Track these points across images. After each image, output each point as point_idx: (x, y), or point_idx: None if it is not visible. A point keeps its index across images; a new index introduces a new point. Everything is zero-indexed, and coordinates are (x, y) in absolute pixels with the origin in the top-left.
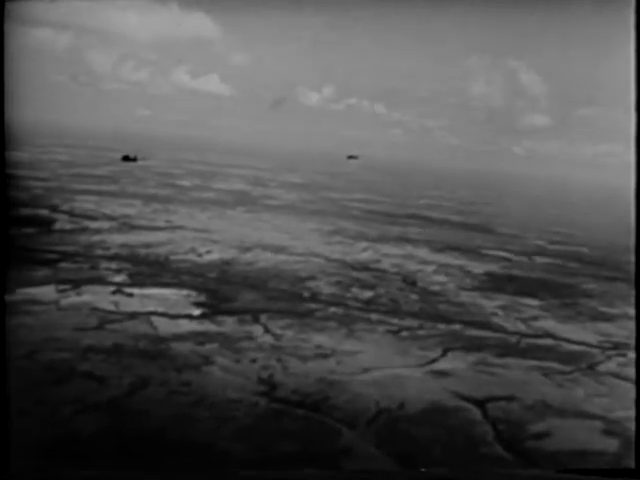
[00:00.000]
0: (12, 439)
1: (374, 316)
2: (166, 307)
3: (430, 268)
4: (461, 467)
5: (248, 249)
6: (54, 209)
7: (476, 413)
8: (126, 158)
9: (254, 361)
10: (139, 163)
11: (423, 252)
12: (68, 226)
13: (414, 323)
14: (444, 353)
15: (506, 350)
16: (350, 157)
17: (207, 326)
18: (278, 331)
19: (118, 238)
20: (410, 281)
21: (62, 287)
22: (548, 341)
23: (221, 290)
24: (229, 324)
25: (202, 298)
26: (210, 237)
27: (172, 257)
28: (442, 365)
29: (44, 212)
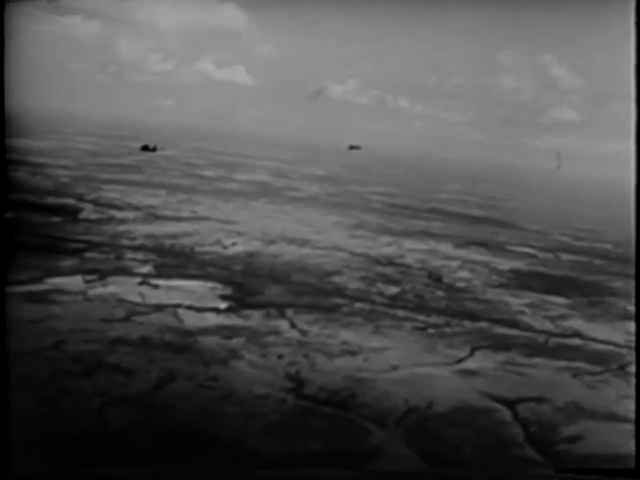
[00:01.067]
0: (36, 429)
1: (400, 312)
2: (192, 300)
3: (455, 264)
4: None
5: (272, 242)
6: (80, 198)
7: (506, 414)
8: (145, 148)
9: (281, 357)
10: (159, 153)
11: (447, 247)
12: (94, 215)
13: (441, 320)
14: (472, 352)
15: (534, 350)
16: (352, 147)
17: (233, 320)
18: (304, 326)
19: (143, 228)
20: (435, 277)
21: (89, 277)
22: (576, 341)
23: (247, 283)
24: (255, 318)
25: (228, 291)
26: (235, 229)
27: (197, 248)
28: (470, 364)
29: (70, 201)
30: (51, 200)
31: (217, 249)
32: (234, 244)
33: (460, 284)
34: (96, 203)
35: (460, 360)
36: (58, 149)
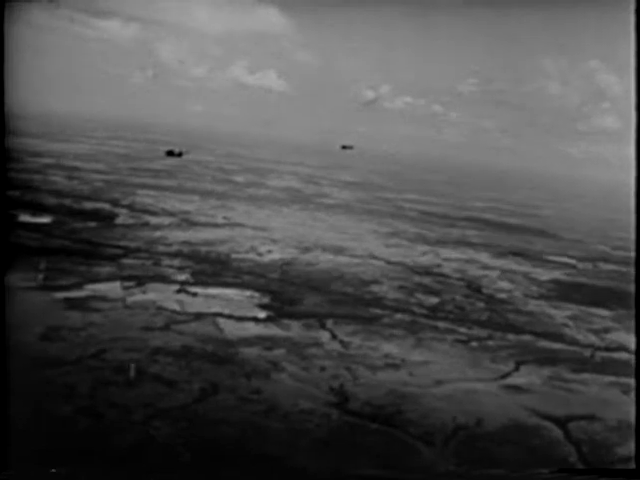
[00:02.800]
0: (82, 441)
1: (441, 324)
2: (231, 309)
3: (494, 274)
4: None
5: (307, 249)
6: (115, 203)
7: (558, 433)
8: (170, 153)
9: (323, 369)
10: (189, 157)
11: (484, 257)
12: (129, 221)
13: (483, 333)
14: (517, 366)
15: (581, 364)
16: (344, 147)
17: (273, 330)
18: (345, 338)
19: (179, 235)
20: (475, 287)
21: (127, 284)
22: (623, 355)
23: (284, 292)
24: (295, 329)
25: (266, 300)
26: (269, 236)
27: (233, 256)
28: (516, 379)
29: (106, 206)
30: (88, 205)
31: (253, 256)
32: (269, 251)
33: (500, 295)
34: (131, 208)
35: (505, 375)
36: (92, 153)
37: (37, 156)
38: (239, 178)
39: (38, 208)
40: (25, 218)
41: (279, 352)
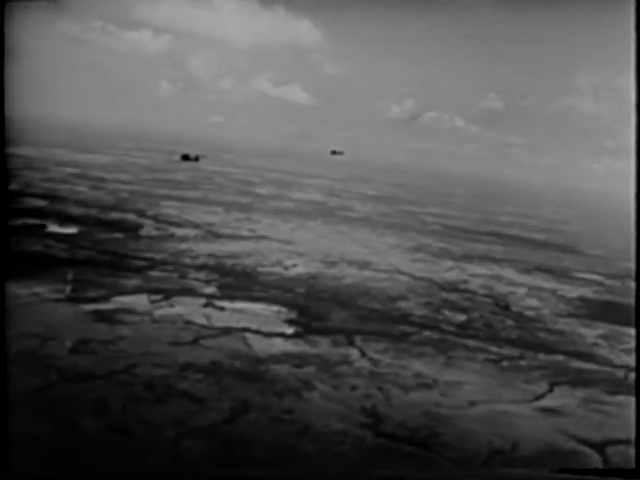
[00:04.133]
0: (113, 457)
1: (471, 342)
2: (258, 324)
3: (521, 291)
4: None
5: (333, 264)
6: (140, 214)
7: (597, 459)
8: (186, 157)
9: (354, 388)
10: (212, 168)
11: (511, 273)
12: (154, 232)
13: (514, 352)
14: (551, 388)
15: (615, 386)
16: (334, 152)
17: (302, 347)
18: (375, 355)
19: (204, 247)
20: (503, 305)
21: (154, 297)
22: None
23: (311, 307)
24: (324, 345)
25: (293, 315)
26: (294, 249)
27: (259, 269)
28: (551, 402)
29: (131, 216)
30: (113, 215)
31: (278, 270)
32: (295, 265)
33: (529, 313)
34: (156, 219)
35: (540, 397)
36: (117, 163)
37: (62, 166)
38: (262, 190)
39: (65, 218)
40: (53, 228)
41: (309, 370)
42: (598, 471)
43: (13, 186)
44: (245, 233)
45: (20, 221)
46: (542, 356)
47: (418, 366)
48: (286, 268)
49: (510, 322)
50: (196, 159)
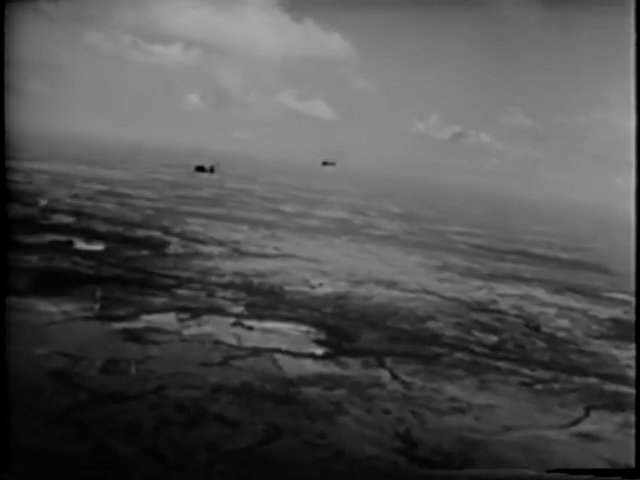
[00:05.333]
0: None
1: (503, 365)
2: (288, 344)
3: (551, 311)
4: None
5: (360, 283)
6: (166, 231)
7: None
8: (201, 169)
9: (387, 412)
10: (232, 185)
11: (540, 293)
12: (180, 250)
13: (547, 375)
14: (587, 412)
15: None
16: (325, 163)
17: (332, 368)
18: (406, 378)
19: (231, 265)
20: (534, 326)
21: (182, 316)
22: None
23: (340, 327)
24: (354, 367)
25: (322, 335)
26: (320, 268)
27: (286, 288)
28: (587, 426)
29: (157, 234)
30: (139, 232)
31: (305, 289)
32: (322, 284)
33: (561, 334)
34: (181, 237)
35: (576, 422)
36: (141, 180)
37: (88, 182)
38: (287, 207)
39: (91, 235)
40: (80, 245)
41: (340, 392)
42: (598, 471)
43: (42, 202)
44: (271, 251)
45: (48, 237)
46: (576, 379)
47: (451, 389)
48: (313, 287)
49: (542, 343)
50: (211, 170)
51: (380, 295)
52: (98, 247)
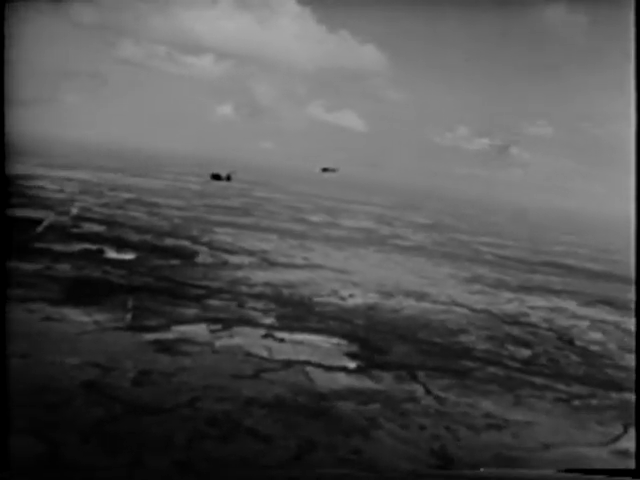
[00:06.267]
0: None
1: (538, 380)
2: (319, 357)
3: (584, 324)
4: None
5: (390, 294)
6: (195, 241)
7: None
8: (217, 177)
9: (422, 428)
10: (263, 194)
11: (572, 305)
12: (209, 259)
13: (583, 390)
14: (625, 429)
15: None
16: (325, 169)
17: (365, 382)
18: (440, 393)
19: (260, 275)
20: (567, 339)
21: (213, 327)
22: None
23: (371, 340)
24: (387, 381)
25: (354, 348)
26: (349, 279)
27: (316, 299)
28: (627, 444)
29: (186, 243)
30: (168, 241)
31: (335, 300)
32: (351, 295)
33: (594, 347)
34: (210, 246)
35: (615, 439)
36: (170, 189)
37: (116, 190)
38: (314, 217)
39: (122, 244)
40: (110, 254)
41: (374, 407)
42: (599, 471)
43: (73, 210)
44: (300, 261)
45: (80, 246)
46: (613, 394)
47: (486, 405)
48: (343, 298)
49: (575, 357)
50: (228, 178)
51: (410, 307)
52: (129, 256)
